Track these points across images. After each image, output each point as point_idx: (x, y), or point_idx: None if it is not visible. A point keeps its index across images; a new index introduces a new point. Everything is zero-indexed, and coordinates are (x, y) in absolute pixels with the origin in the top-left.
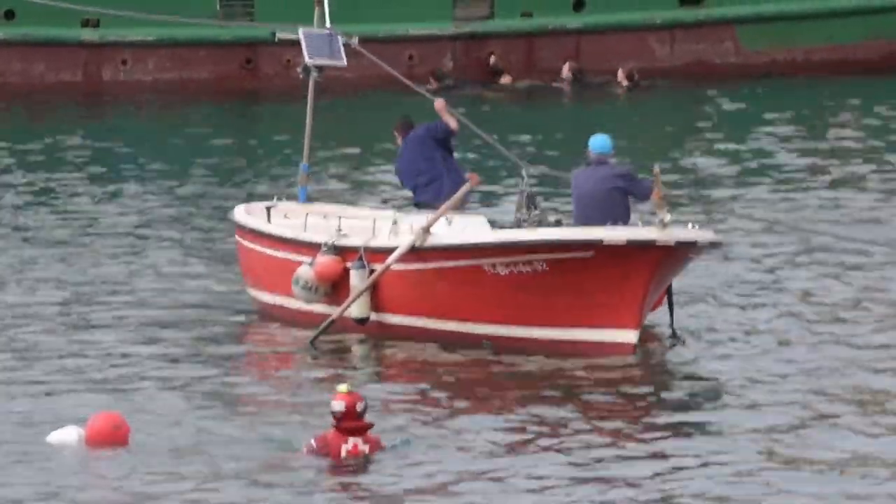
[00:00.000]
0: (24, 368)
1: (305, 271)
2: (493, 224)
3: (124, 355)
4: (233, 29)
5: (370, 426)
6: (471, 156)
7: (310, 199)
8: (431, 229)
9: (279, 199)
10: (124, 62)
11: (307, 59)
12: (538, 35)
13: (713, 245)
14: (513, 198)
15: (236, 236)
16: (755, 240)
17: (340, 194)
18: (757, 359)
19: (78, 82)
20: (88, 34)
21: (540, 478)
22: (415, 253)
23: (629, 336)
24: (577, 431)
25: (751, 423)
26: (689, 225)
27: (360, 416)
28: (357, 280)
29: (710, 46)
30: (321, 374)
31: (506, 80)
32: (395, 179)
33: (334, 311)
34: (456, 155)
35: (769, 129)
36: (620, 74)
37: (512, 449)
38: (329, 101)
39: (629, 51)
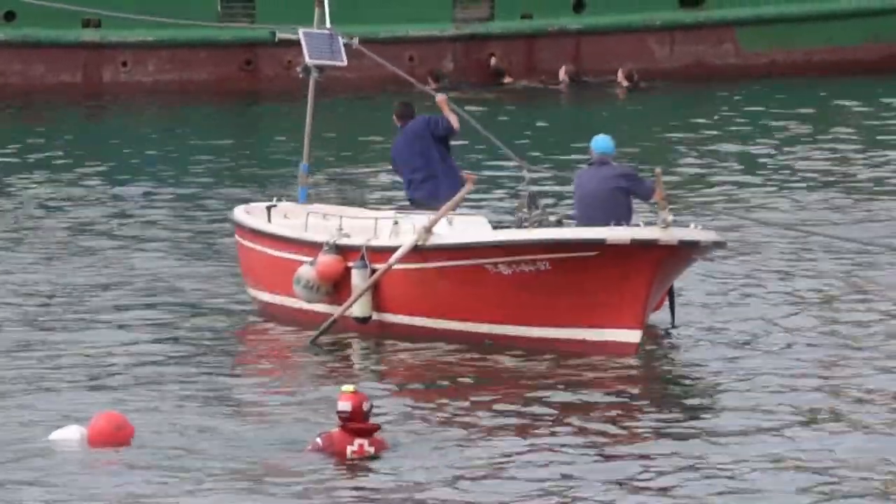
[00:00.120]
0: (26, 368)
1: (307, 271)
2: (494, 224)
3: (125, 355)
4: (232, 30)
5: (377, 428)
6: (471, 156)
7: (310, 199)
8: (433, 229)
9: (279, 199)
10: (124, 63)
11: (307, 59)
12: (538, 36)
13: (716, 245)
14: (513, 198)
15: (236, 236)
16: (755, 240)
17: (340, 194)
18: (757, 359)
19: (78, 83)
20: (88, 35)
21: (541, 479)
22: (417, 252)
23: (632, 336)
24: (578, 431)
25: (751, 424)
26: (692, 225)
27: (367, 415)
28: (359, 279)
29: (709, 48)
30: (322, 373)
31: (508, 80)
32: (395, 179)
33: (336, 311)
34: (454, 155)
35: (769, 130)
36: (620, 75)
37: (513, 449)
38: (329, 101)
39: (629, 52)
